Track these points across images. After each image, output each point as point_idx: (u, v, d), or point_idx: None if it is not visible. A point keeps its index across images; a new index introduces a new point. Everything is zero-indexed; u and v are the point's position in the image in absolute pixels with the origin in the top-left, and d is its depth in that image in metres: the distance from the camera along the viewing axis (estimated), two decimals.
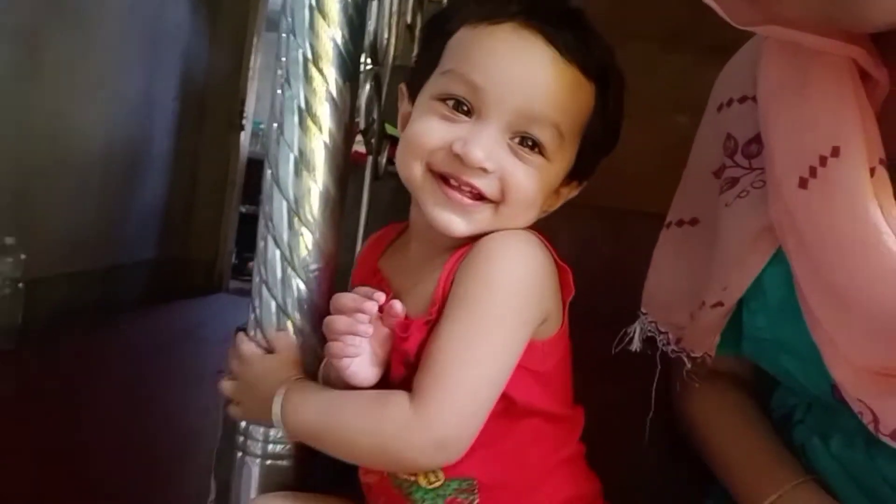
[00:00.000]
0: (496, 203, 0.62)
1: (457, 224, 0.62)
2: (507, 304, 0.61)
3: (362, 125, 0.98)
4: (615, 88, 0.67)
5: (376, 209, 1.25)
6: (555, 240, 1.22)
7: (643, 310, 0.84)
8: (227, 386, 0.69)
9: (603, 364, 0.83)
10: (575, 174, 0.68)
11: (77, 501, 1.51)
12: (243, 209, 3.99)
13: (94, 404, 2.09)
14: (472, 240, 0.64)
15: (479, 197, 0.62)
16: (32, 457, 1.71)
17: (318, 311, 0.72)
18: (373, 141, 1.03)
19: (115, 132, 3.11)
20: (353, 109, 0.74)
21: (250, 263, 2.85)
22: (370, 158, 1.06)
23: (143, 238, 3.40)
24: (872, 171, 0.58)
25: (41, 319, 2.62)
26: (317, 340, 0.72)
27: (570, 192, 0.71)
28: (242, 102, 3.60)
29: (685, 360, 0.77)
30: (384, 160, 1.13)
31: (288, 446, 0.72)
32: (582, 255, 1.18)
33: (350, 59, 0.71)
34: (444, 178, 0.62)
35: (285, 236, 0.71)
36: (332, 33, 0.70)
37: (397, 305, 0.62)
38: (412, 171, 0.64)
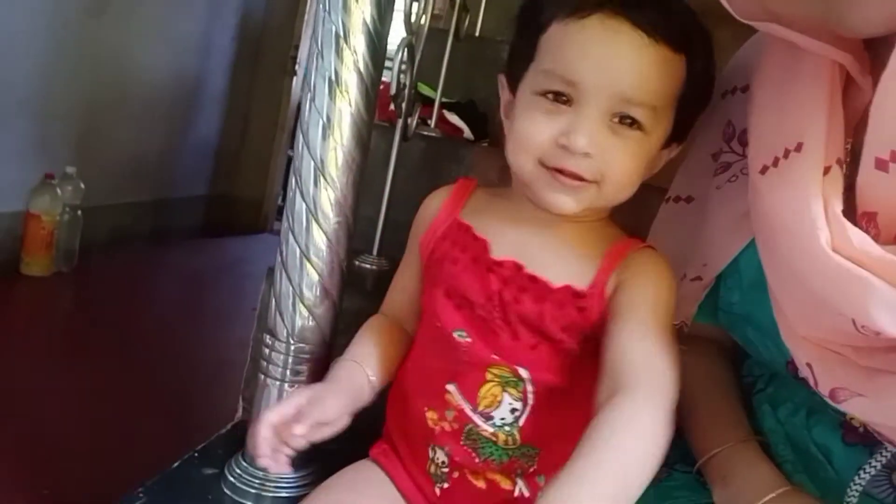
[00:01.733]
0: (598, 182, 0.66)
1: (567, 204, 0.67)
2: (673, 311, 0.70)
3: (393, 90, 1.07)
4: (704, 51, 0.69)
5: (406, 167, 1.34)
6: None
7: None
8: None
9: None
10: (674, 136, 0.71)
11: (120, 414, 1.64)
12: (291, 152, 4.09)
13: (141, 326, 2.22)
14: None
15: (582, 178, 0.65)
16: (85, 368, 1.85)
17: (336, 258, 0.83)
18: (403, 105, 1.11)
19: (175, 70, 3.20)
20: (378, 80, 0.83)
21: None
22: (399, 121, 1.14)
23: (196, 174, 3.51)
24: (827, 170, 0.61)
25: (97, 245, 2.77)
26: (332, 284, 0.83)
27: (672, 153, 0.74)
28: (296, 49, 3.66)
29: None
30: (414, 123, 1.22)
31: (303, 375, 0.84)
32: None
33: (377, 35, 0.80)
34: (553, 170, 0.66)
35: (311, 191, 0.81)
36: (362, 10, 0.78)
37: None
38: (524, 165, 0.68)
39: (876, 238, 0.59)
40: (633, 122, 0.65)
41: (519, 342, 0.70)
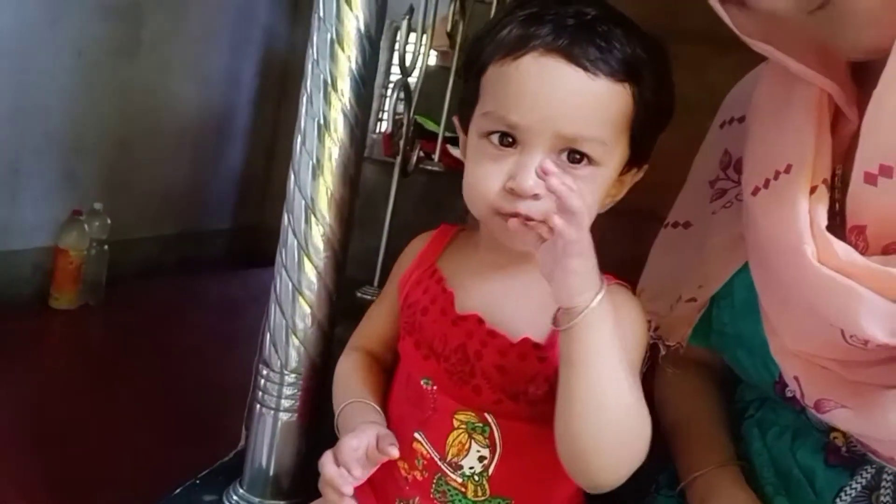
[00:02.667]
0: None
1: (527, 245, 0.64)
2: (641, 354, 0.70)
3: (389, 129, 1.12)
4: (653, 76, 0.66)
5: (410, 200, 1.38)
6: None
7: (637, 295, 0.93)
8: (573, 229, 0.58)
9: None
10: (634, 161, 0.70)
11: (147, 441, 1.68)
12: None
13: (167, 356, 2.27)
14: None
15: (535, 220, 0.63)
16: (111, 399, 1.90)
17: (327, 291, 0.86)
18: (400, 143, 1.15)
19: (201, 105, 3.29)
20: (365, 122, 0.87)
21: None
22: (398, 158, 1.18)
23: (222, 206, 3.59)
24: (813, 189, 0.65)
25: (125, 277, 2.84)
26: (324, 316, 0.86)
27: (635, 177, 0.73)
28: None
29: (661, 346, 0.86)
30: (415, 157, 1.26)
31: (296, 403, 0.87)
32: (598, 255, 1.29)
33: (363, 80, 0.84)
34: (507, 215, 0.64)
35: (302, 228, 0.85)
36: (349, 57, 0.83)
37: (393, 452, 0.66)
38: (479, 211, 0.68)
39: (864, 251, 0.62)
40: (582, 157, 0.64)
41: (481, 397, 0.70)
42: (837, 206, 0.68)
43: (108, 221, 2.65)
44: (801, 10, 0.60)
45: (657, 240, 0.94)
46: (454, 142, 1.59)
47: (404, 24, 1.11)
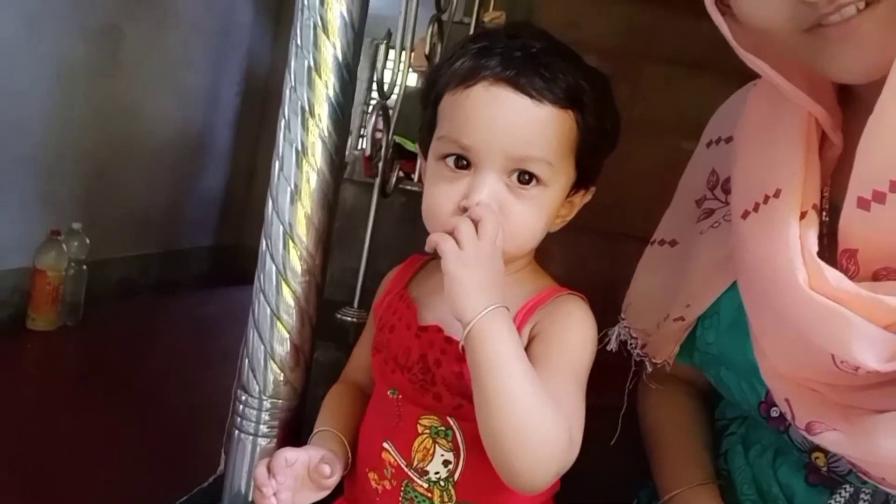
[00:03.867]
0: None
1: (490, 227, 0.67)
2: (588, 363, 0.72)
3: (368, 151, 1.12)
4: (595, 104, 0.72)
5: (389, 221, 1.39)
6: (547, 258, 1.33)
7: (622, 315, 0.94)
8: (452, 247, 0.66)
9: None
10: (580, 182, 0.75)
11: (124, 462, 1.68)
12: None
13: (146, 375, 2.27)
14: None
15: None
16: (88, 418, 1.90)
17: (306, 315, 0.87)
18: (379, 165, 1.16)
19: (181, 124, 3.30)
20: (343, 147, 0.87)
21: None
22: (377, 180, 1.19)
23: (202, 225, 3.59)
24: (803, 215, 0.66)
25: (104, 297, 2.82)
26: (302, 341, 0.86)
27: (584, 198, 0.78)
28: None
29: (647, 363, 0.88)
30: (394, 178, 1.27)
31: (275, 428, 0.87)
32: (573, 272, 1.30)
33: (340, 107, 0.85)
34: None
35: (280, 252, 0.85)
36: (325, 84, 0.84)
37: (325, 470, 0.72)
38: (435, 229, 0.70)
39: (855, 274, 0.64)
40: (531, 178, 0.69)
41: (442, 402, 0.73)
42: (826, 228, 0.69)
43: (87, 241, 2.64)
44: (795, 28, 0.62)
45: (643, 258, 0.95)
46: None
47: (382, 47, 1.12)
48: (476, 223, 0.66)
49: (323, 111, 0.83)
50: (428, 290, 0.79)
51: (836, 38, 0.61)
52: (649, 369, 0.88)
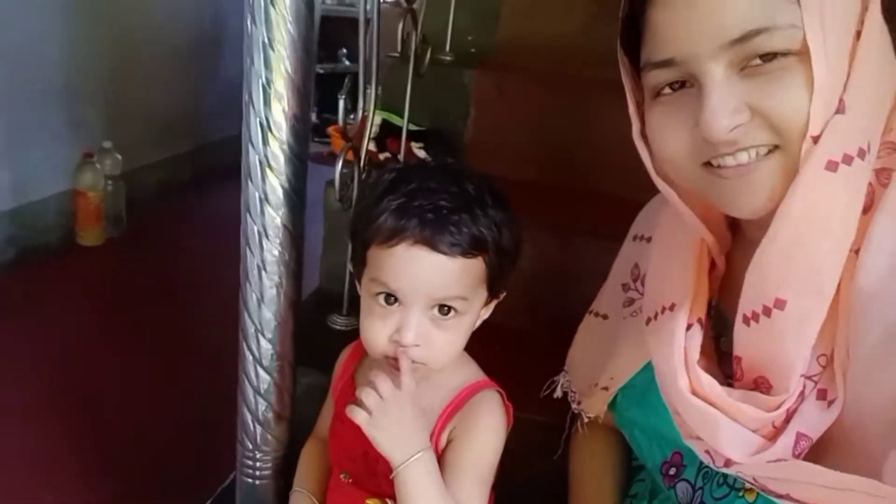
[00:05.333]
0: (426, 363, 0.84)
1: (409, 385, 0.81)
2: (494, 459, 0.88)
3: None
4: (499, 246, 0.83)
5: None
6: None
7: (566, 369, 1.10)
8: (364, 417, 0.81)
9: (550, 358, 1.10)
10: (492, 297, 0.89)
11: (172, 369, 1.97)
12: (320, 69, 4.19)
13: (192, 275, 2.54)
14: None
15: (415, 361, 0.83)
16: (139, 324, 2.22)
17: (282, 389, 1.03)
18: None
19: (191, 19, 3.31)
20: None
21: (328, 127, 3.13)
22: (363, 165, 1.29)
23: (227, 116, 3.63)
24: (689, 327, 0.76)
25: (144, 203, 3.02)
26: (282, 408, 1.04)
27: (497, 302, 0.91)
28: None
29: (583, 415, 1.03)
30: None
31: (267, 471, 1.07)
32: (536, 265, 1.43)
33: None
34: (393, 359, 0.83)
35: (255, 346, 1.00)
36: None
37: None
38: (373, 354, 0.86)
39: (740, 378, 0.74)
40: (449, 310, 0.82)
41: (382, 489, 0.90)
42: (724, 335, 0.80)
43: (119, 157, 2.79)
44: (694, 161, 0.71)
45: (582, 323, 1.08)
46: (418, 136, 1.68)
47: None
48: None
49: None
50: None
51: (729, 178, 0.69)
52: (586, 420, 1.02)
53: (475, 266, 0.82)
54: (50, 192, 2.63)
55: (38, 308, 2.29)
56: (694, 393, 0.74)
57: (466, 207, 0.81)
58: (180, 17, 3.23)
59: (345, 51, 4.55)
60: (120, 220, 2.84)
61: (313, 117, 4.13)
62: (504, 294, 0.91)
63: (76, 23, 2.63)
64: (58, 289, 2.44)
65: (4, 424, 1.73)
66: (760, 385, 0.72)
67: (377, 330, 0.84)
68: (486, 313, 0.91)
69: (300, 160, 0.96)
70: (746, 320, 0.70)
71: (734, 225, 0.82)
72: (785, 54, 0.64)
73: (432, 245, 0.79)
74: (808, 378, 0.69)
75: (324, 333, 1.37)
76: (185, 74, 3.33)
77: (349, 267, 0.92)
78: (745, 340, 0.72)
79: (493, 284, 0.86)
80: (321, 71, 4.19)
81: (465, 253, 0.80)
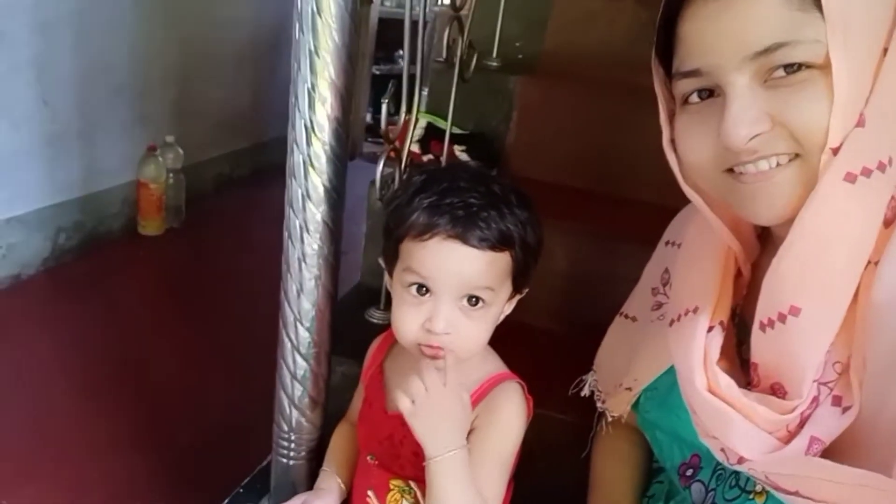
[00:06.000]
0: (455, 350, 0.88)
1: (439, 364, 0.87)
2: (513, 447, 0.93)
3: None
4: (524, 241, 0.88)
5: None
6: (552, 257, 1.49)
7: (594, 368, 1.13)
8: (407, 405, 0.86)
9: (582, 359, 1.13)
10: (516, 291, 0.93)
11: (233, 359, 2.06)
12: (376, 71, 4.28)
13: (250, 265, 2.61)
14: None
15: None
16: (199, 313, 2.30)
17: (318, 375, 1.09)
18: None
19: (254, 24, 3.43)
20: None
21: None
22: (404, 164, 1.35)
23: (282, 116, 3.78)
24: (710, 329, 0.79)
25: (203, 195, 3.16)
26: (317, 392, 1.10)
27: (515, 300, 0.96)
28: None
29: (607, 415, 1.06)
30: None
31: (301, 453, 1.13)
32: (573, 268, 1.46)
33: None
34: (426, 346, 0.89)
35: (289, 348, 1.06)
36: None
37: None
38: (405, 343, 0.91)
39: (757, 384, 0.76)
40: (478, 300, 0.87)
41: (405, 471, 0.96)
42: (744, 341, 0.82)
43: (181, 151, 2.92)
44: (717, 167, 0.73)
45: (612, 325, 1.11)
46: (462, 139, 1.73)
47: None
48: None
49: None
50: (399, 370, 1.00)
51: (748, 184, 0.71)
52: (610, 419, 1.05)
53: (502, 260, 0.87)
54: (116, 183, 2.76)
55: (100, 292, 2.42)
56: (711, 392, 0.77)
57: (494, 205, 0.87)
58: (242, 23, 3.35)
59: (401, 52, 4.62)
60: (179, 212, 2.96)
61: (368, 117, 4.22)
62: (527, 290, 0.96)
63: (146, 25, 2.76)
64: (119, 274, 2.58)
65: (69, 397, 1.84)
66: (777, 391, 0.74)
67: (410, 318, 0.89)
68: (509, 308, 0.95)
69: (340, 160, 1.01)
70: (763, 326, 0.73)
71: (763, 235, 0.85)
72: (808, 67, 0.65)
73: (464, 239, 0.84)
74: (823, 384, 0.71)
75: (362, 326, 1.43)
76: (245, 76, 3.46)
77: (381, 261, 0.97)
78: (761, 346, 0.74)
79: (518, 279, 0.91)
80: (377, 72, 4.28)
81: (494, 247, 0.86)
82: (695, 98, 0.74)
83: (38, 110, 2.36)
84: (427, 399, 0.85)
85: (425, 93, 1.70)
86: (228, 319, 2.30)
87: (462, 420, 0.88)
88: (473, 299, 0.88)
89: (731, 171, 0.73)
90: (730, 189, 0.74)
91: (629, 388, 0.98)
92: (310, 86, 0.97)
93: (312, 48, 0.95)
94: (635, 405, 0.99)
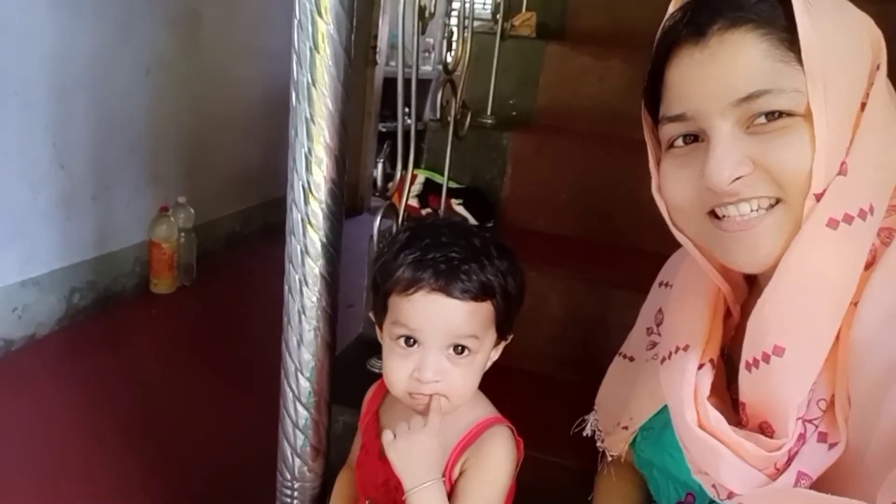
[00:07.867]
0: (446, 396, 0.92)
1: (434, 419, 0.91)
2: (502, 491, 0.96)
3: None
4: (504, 290, 0.92)
5: None
6: (546, 305, 1.54)
7: (595, 408, 1.15)
8: (388, 437, 0.92)
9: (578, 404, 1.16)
10: (500, 338, 0.97)
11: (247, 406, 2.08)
12: (382, 128, 4.39)
13: (262, 318, 2.65)
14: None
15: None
16: (211, 364, 2.34)
17: (319, 424, 1.14)
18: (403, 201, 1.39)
19: (267, 85, 3.54)
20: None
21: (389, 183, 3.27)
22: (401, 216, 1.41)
23: None
24: (700, 366, 0.81)
25: (214, 253, 3.23)
26: (318, 441, 1.14)
27: (501, 346, 0.99)
28: (375, 38, 3.89)
29: (606, 454, 1.09)
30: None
31: (304, 502, 1.17)
32: (569, 316, 1.51)
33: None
34: (417, 394, 0.92)
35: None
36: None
37: None
38: (395, 392, 0.95)
39: (746, 423, 0.78)
40: (464, 349, 0.91)
41: None
42: (733, 380, 0.84)
43: (192, 211, 3.00)
44: (700, 210, 0.76)
45: (612, 364, 1.14)
46: (458, 193, 1.79)
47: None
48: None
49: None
50: (394, 417, 1.02)
51: (731, 233, 0.74)
52: (608, 458, 1.08)
53: (485, 309, 0.92)
54: (128, 243, 2.84)
55: (115, 349, 2.47)
56: (701, 427, 0.79)
57: (475, 258, 0.92)
58: (253, 83, 3.47)
59: (407, 110, 4.74)
60: (190, 270, 3.03)
61: (375, 173, 4.30)
62: (511, 336, 1.00)
63: (159, 84, 2.87)
64: (132, 332, 2.64)
65: (83, 452, 1.88)
66: (765, 430, 0.77)
67: (399, 368, 0.94)
68: (495, 354, 1.00)
69: (336, 218, 1.07)
70: (748, 366, 0.75)
71: (751, 277, 0.88)
72: (790, 115, 0.68)
73: (447, 292, 0.89)
74: (809, 421, 0.72)
75: (363, 376, 1.46)
76: (256, 135, 3.56)
77: (370, 315, 1.02)
78: (747, 386, 0.77)
79: (501, 326, 0.96)
80: (383, 129, 4.38)
81: (476, 297, 0.90)
82: (680, 142, 0.77)
83: (55, 173, 2.45)
84: (407, 435, 0.90)
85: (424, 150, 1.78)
86: (236, 372, 2.35)
87: (437, 456, 0.91)
88: (459, 348, 0.92)
89: (714, 214, 0.76)
90: (712, 236, 0.77)
91: (626, 427, 1.01)
92: (306, 150, 1.04)
93: (308, 116, 1.03)
94: (633, 444, 1.02)
